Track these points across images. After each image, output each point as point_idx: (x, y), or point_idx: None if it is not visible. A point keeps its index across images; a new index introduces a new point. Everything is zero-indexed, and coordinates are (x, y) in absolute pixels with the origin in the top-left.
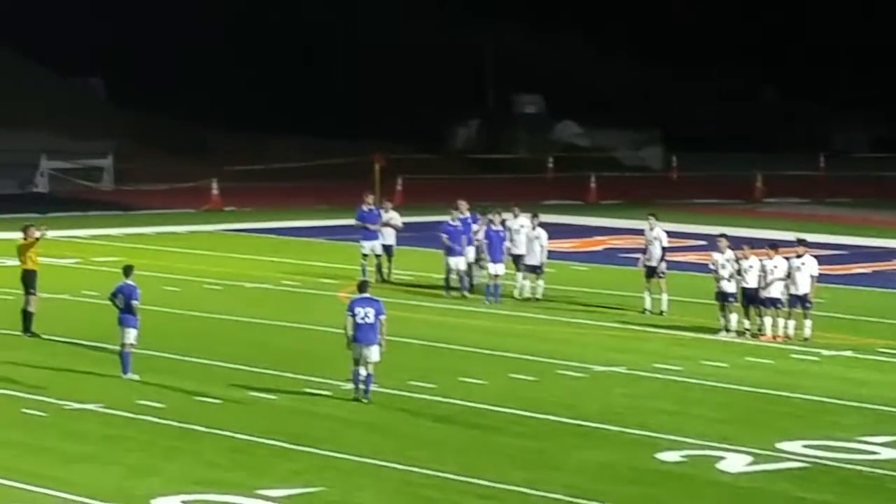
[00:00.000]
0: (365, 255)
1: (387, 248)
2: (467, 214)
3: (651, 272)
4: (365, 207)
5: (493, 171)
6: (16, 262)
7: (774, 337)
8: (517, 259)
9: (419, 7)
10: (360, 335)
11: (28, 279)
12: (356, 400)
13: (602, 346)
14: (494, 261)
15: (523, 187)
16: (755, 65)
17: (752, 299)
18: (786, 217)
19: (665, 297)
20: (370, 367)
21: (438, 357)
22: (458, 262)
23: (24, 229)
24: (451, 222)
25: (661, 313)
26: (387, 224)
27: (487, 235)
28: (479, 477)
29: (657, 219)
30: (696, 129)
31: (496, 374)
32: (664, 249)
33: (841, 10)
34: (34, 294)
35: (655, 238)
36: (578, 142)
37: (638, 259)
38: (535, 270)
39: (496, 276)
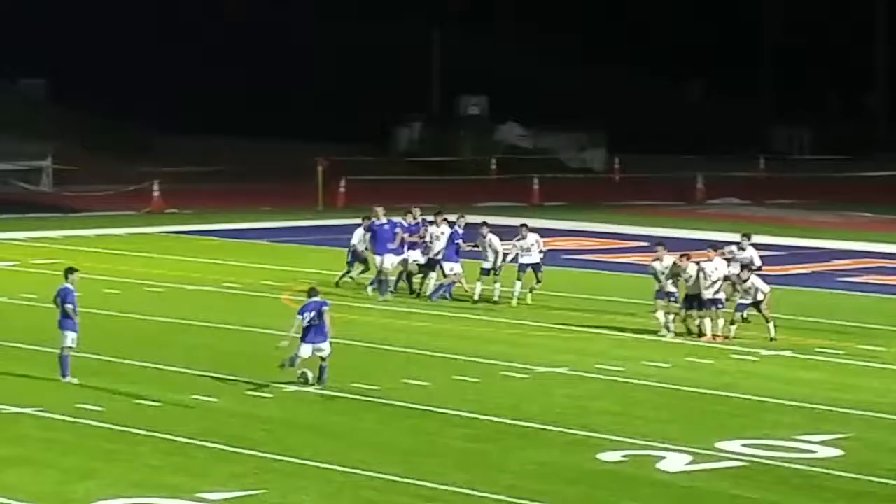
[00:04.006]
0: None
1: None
2: (384, 220)
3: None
4: (412, 220)
5: (436, 173)
6: None
7: (714, 337)
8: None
9: (362, 7)
10: (309, 336)
11: None
12: (305, 382)
13: (545, 347)
14: (448, 260)
15: (467, 189)
16: (698, 67)
17: (692, 301)
18: (727, 218)
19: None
20: (325, 361)
21: (382, 359)
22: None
23: None
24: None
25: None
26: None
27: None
28: (421, 478)
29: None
30: (639, 130)
31: (439, 375)
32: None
33: (788, 11)
34: None
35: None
36: (522, 143)
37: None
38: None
39: (451, 275)
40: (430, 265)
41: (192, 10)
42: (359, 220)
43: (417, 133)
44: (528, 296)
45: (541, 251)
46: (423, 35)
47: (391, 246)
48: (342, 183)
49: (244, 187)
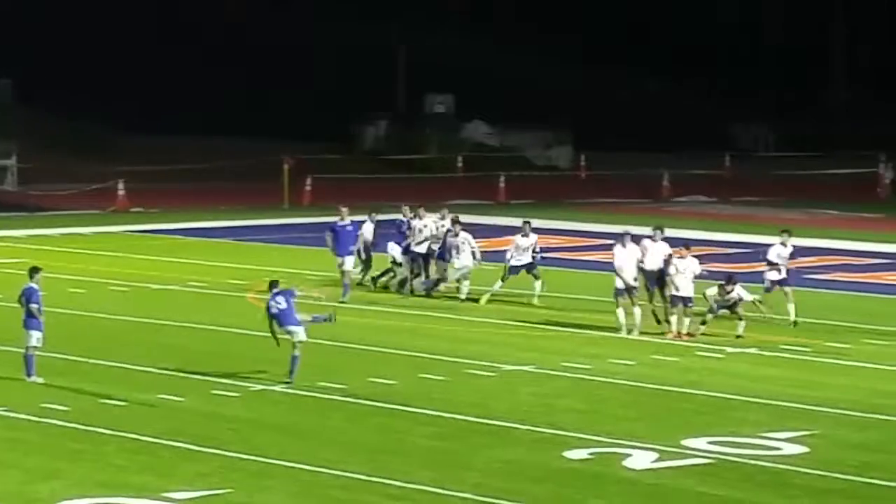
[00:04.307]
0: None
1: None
2: (348, 220)
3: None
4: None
5: (402, 171)
6: None
7: (680, 334)
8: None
9: (329, 5)
10: (282, 321)
11: None
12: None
13: (511, 345)
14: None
15: (433, 187)
16: (664, 64)
17: (651, 279)
18: (693, 216)
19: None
20: (297, 349)
21: (349, 357)
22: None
23: None
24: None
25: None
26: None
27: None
28: (388, 477)
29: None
30: (605, 128)
31: (406, 374)
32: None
33: (749, 10)
34: None
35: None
36: (488, 141)
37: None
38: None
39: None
40: (414, 259)
41: (154, 8)
42: (325, 219)
43: (383, 131)
44: (535, 298)
45: (535, 252)
46: (390, 32)
47: (352, 248)
48: (308, 181)
49: (209, 186)
